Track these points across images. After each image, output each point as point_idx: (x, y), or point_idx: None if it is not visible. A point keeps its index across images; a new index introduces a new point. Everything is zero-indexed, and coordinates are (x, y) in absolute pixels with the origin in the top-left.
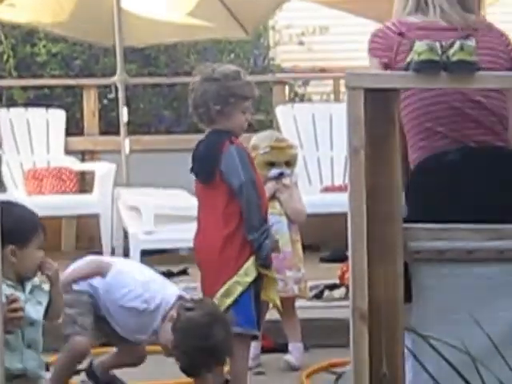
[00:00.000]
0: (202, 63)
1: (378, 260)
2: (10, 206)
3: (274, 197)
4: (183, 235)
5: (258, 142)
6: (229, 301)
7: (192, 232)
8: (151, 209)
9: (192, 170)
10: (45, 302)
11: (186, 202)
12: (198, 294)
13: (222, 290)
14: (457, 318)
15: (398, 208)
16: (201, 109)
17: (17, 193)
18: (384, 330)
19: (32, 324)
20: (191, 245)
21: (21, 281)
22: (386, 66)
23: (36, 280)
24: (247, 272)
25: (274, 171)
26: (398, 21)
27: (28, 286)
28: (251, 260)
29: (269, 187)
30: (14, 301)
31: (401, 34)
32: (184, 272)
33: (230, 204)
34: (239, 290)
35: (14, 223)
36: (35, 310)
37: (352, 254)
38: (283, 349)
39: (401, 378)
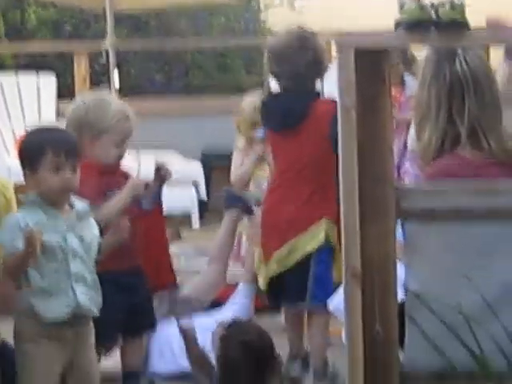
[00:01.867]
0: (192, 27)
1: (369, 219)
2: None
3: (262, 158)
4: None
5: (245, 104)
6: (294, 256)
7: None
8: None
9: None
10: (89, 235)
11: (178, 164)
12: None
13: (284, 249)
14: (451, 278)
15: (389, 167)
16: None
17: (9, 160)
18: (377, 288)
19: (75, 256)
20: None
21: (70, 205)
22: None
23: (83, 206)
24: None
25: (261, 131)
26: (457, 157)
27: (72, 213)
28: (321, 223)
29: (256, 149)
30: (30, 234)
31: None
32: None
33: (318, 159)
34: (308, 249)
35: (22, 148)
36: (76, 242)
37: (344, 213)
38: None
39: (394, 336)
